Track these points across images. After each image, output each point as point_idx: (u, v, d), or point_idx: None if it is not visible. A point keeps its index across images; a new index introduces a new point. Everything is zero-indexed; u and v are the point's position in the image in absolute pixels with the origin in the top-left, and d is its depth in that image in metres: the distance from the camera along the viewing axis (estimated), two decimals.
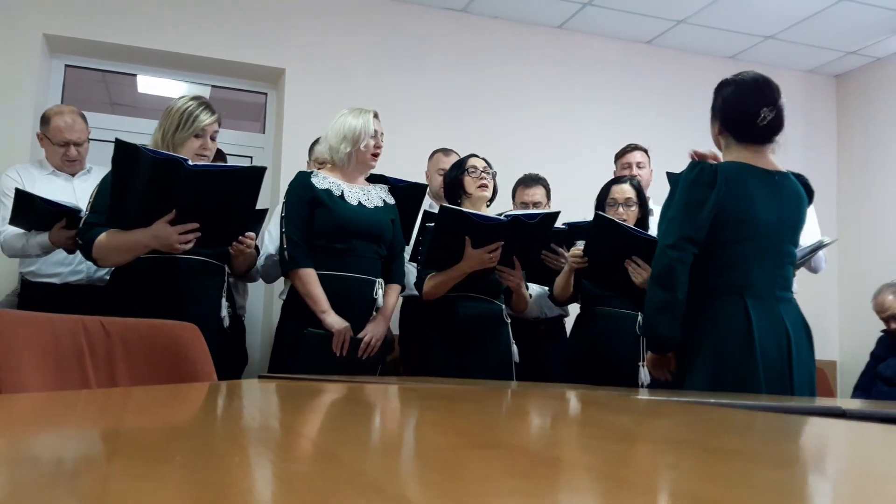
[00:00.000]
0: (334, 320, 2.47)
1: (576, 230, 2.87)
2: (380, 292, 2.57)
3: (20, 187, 2.82)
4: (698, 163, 2.09)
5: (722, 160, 2.16)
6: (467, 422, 0.83)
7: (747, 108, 2.10)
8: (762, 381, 1.96)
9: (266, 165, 2.38)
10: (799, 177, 2.21)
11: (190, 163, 2.17)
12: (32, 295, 2.87)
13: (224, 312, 2.39)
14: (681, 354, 2.11)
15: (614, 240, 2.62)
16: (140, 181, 2.17)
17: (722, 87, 2.17)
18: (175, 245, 2.21)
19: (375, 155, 2.65)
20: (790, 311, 2.10)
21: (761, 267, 2.07)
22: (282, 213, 2.56)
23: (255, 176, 2.27)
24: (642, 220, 2.83)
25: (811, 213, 2.90)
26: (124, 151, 2.12)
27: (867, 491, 0.48)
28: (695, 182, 2.04)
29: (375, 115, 2.66)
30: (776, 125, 2.11)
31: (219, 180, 2.23)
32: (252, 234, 2.42)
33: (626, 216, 2.77)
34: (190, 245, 2.23)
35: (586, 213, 2.96)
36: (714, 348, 2.02)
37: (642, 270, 2.55)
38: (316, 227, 2.53)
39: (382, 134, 2.68)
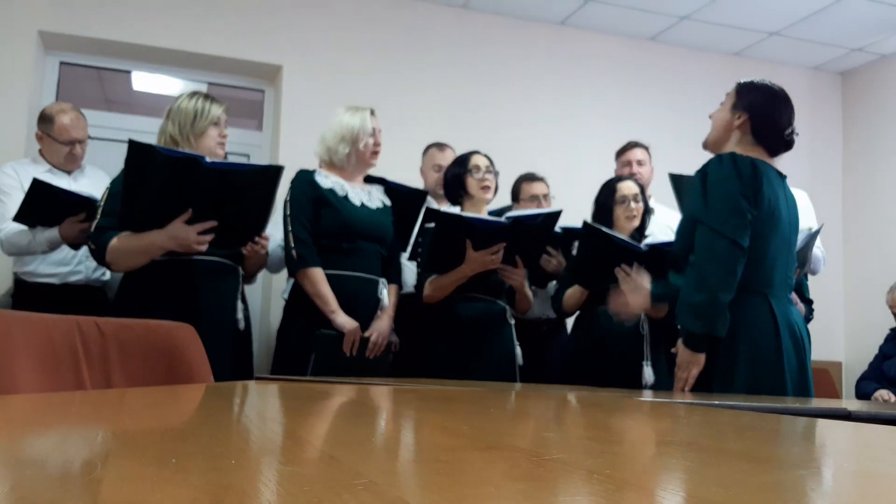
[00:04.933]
0: (344, 320, 2.47)
1: (571, 234, 2.87)
2: (384, 291, 2.58)
3: (16, 184, 2.81)
4: (733, 156, 2.08)
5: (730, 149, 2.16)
6: (468, 423, 0.83)
7: (779, 117, 2.16)
8: (788, 385, 1.99)
9: (283, 165, 2.37)
10: None
11: (207, 160, 2.16)
12: (27, 295, 2.85)
13: (240, 314, 2.39)
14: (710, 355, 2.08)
15: (603, 248, 2.63)
16: (155, 181, 2.15)
17: (752, 89, 2.19)
18: (193, 245, 2.19)
19: (375, 153, 2.65)
20: (796, 312, 2.13)
21: (780, 265, 2.09)
22: (286, 210, 2.54)
23: (272, 176, 2.26)
24: (644, 215, 2.83)
25: (805, 200, 2.93)
26: (138, 152, 2.10)
27: (872, 493, 0.47)
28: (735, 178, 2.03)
29: (372, 113, 2.65)
30: (791, 144, 2.19)
31: (235, 179, 2.22)
32: (268, 234, 2.41)
33: (636, 212, 2.78)
34: (206, 245, 2.22)
35: (587, 211, 2.95)
36: (745, 351, 2.02)
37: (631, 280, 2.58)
38: (322, 227, 2.53)
39: (380, 131, 2.67)
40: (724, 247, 1.98)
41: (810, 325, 2.42)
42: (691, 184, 2.90)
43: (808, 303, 2.91)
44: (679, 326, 2.11)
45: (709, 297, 1.98)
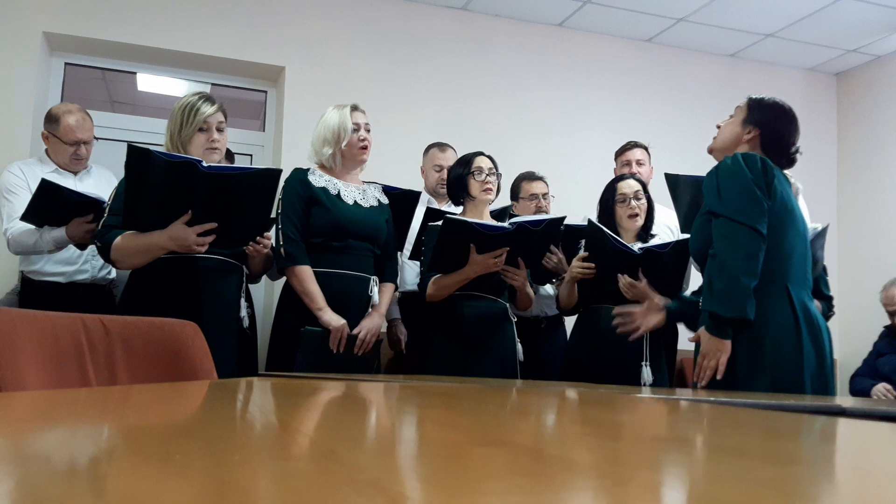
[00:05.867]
0: (331, 317, 2.48)
1: (572, 232, 2.87)
2: (374, 289, 2.59)
3: (23, 184, 2.81)
4: (742, 154, 2.09)
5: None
6: (468, 419, 0.83)
7: (788, 137, 2.19)
8: (807, 377, 1.98)
9: (281, 168, 2.38)
10: None
11: (204, 164, 2.17)
12: (34, 293, 2.86)
13: (243, 312, 2.40)
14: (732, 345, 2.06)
15: (604, 248, 2.64)
16: (155, 184, 2.17)
17: (764, 105, 2.20)
18: (193, 246, 2.21)
19: (364, 148, 2.63)
20: (816, 309, 2.12)
21: (798, 258, 2.08)
22: (277, 208, 2.55)
23: (270, 178, 2.27)
24: (649, 213, 2.83)
25: (800, 200, 2.95)
26: (136, 157, 2.12)
27: (867, 489, 0.48)
28: (751, 171, 2.03)
29: (355, 108, 2.63)
30: (794, 163, 2.22)
31: (233, 182, 2.23)
32: (269, 234, 2.42)
33: (639, 209, 2.78)
34: (206, 246, 2.23)
35: (586, 211, 2.96)
36: (767, 341, 2.00)
37: (630, 287, 2.59)
38: (313, 226, 2.54)
39: (367, 124, 2.65)
40: (743, 234, 1.97)
41: None
42: (687, 183, 2.90)
43: (828, 300, 2.89)
44: (702, 314, 2.07)
45: (732, 281, 1.95)
